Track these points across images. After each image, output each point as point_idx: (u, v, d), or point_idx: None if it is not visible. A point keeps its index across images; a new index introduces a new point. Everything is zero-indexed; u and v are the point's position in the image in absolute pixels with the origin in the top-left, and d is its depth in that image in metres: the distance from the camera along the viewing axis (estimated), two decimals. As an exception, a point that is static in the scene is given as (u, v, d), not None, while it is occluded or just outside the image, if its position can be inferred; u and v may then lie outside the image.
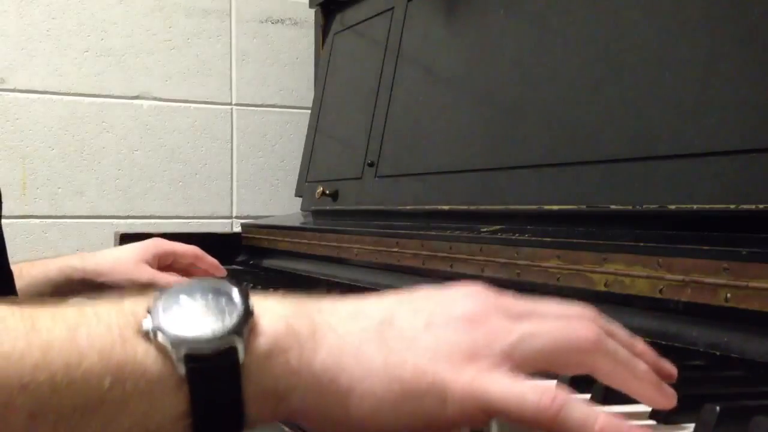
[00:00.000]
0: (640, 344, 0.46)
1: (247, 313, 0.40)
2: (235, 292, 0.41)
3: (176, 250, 1.22)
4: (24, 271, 1.09)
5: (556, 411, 0.40)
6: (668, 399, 0.44)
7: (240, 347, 0.39)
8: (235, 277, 1.21)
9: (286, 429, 0.71)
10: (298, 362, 0.40)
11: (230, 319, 0.40)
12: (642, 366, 0.44)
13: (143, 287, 1.17)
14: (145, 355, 0.39)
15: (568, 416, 0.39)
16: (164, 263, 1.21)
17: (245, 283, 1.11)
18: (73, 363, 0.38)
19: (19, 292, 1.05)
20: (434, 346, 0.41)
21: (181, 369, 0.38)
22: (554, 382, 0.45)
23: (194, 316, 0.40)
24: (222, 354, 0.39)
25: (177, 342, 0.39)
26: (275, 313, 0.42)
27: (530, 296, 0.45)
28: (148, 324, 0.39)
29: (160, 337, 0.39)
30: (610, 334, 0.45)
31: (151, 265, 1.18)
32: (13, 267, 1.09)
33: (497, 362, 0.41)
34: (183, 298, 0.41)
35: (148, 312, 0.40)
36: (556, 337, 0.43)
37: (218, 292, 0.41)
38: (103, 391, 0.38)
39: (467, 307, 0.44)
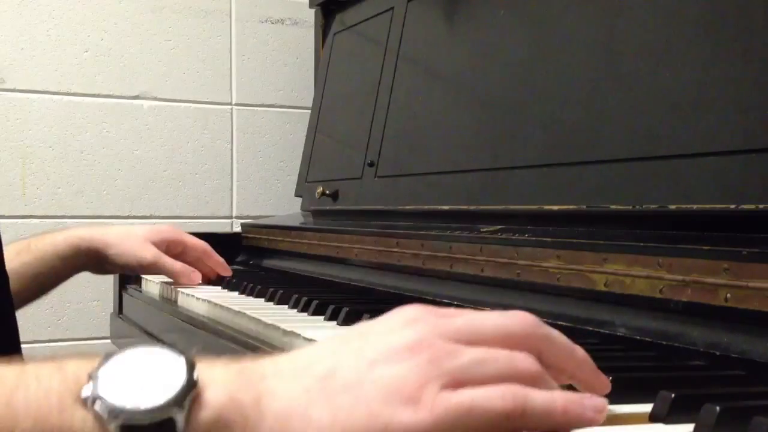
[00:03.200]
0: (581, 352, 0.46)
1: (190, 385, 0.39)
2: (181, 362, 0.40)
3: (186, 241, 1.22)
4: (32, 245, 1.10)
5: (522, 408, 0.40)
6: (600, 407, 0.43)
7: (179, 419, 0.38)
8: (235, 277, 1.21)
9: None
10: None
11: (171, 390, 0.39)
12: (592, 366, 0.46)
13: (147, 267, 1.18)
14: (82, 423, 0.38)
15: (532, 409, 0.40)
16: (173, 251, 1.21)
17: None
18: (6, 427, 0.37)
19: (26, 266, 1.06)
20: (381, 386, 0.40)
21: None
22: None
23: (136, 385, 0.39)
24: (159, 426, 0.38)
25: (114, 412, 0.38)
26: (219, 384, 0.41)
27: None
28: (87, 391, 0.39)
29: (97, 405, 0.38)
30: (551, 342, 0.45)
31: (158, 247, 1.18)
32: (21, 242, 1.09)
33: (446, 383, 0.41)
34: (127, 365, 0.40)
35: (90, 378, 0.39)
36: (502, 369, 0.42)
37: (164, 361, 0.41)
38: None
39: (408, 336, 0.42)
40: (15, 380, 0.39)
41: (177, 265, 1.18)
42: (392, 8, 1.36)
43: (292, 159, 1.86)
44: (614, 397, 0.50)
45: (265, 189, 1.94)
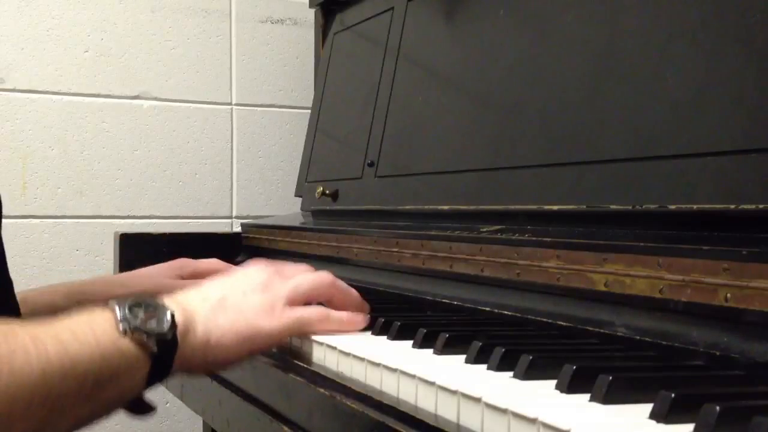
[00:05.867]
0: (356, 297, 0.84)
1: (173, 315, 0.67)
2: (158, 302, 0.68)
3: (201, 269, 1.17)
4: (29, 300, 1.03)
5: (326, 317, 0.79)
6: (365, 305, 0.84)
7: (177, 332, 0.67)
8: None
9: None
10: (193, 337, 0.69)
11: (167, 319, 0.67)
12: (353, 293, 0.84)
13: None
14: (130, 344, 0.64)
15: (332, 318, 0.80)
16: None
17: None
18: (105, 355, 0.62)
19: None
20: (251, 307, 0.74)
21: (155, 349, 0.65)
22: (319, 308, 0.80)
23: (146, 319, 0.65)
24: (173, 338, 0.66)
25: (150, 335, 0.65)
26: (177, 310, 0.68)
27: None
28: (125, 326, 0.64)
29: (137, 334, 0.64)
30: (339, 291, 0.82)
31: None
32: (17, 295, 1.02)
33: (285, 302, 0.76)
34: (134, 309, 0.65)
35: (121, 320, 0.64)
36: (311, 283, 0.80)
37: (149, 304, 0.67)
38: (120, 368, 0.63)
39: (260, 278, 0.77)
40: (58, 341, 0.59)
41: (192, 282, 1.11)
42: (392, 8, 1.36)
43: (292, 159, 1.86)
44: (614, 397, 0.50)
45: (265, 189, 1.94)
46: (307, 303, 0.80)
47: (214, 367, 0.77)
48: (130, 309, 0.65)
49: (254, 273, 0.78)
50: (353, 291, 0.84)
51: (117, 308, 0.65)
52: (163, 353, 0.65)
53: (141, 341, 0.64)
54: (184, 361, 0.68)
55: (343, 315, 0.80)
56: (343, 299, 0.82)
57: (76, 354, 0.59)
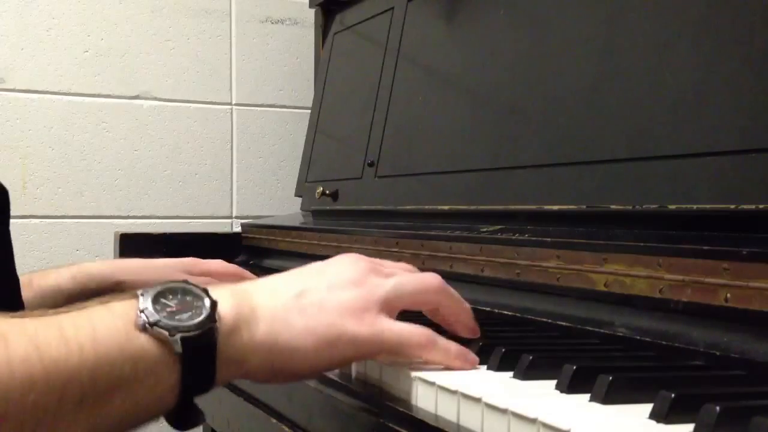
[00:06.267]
0: (466, 305, 0.68)
1: (214, 306, 0.54)
2: (198, 290, 0.55)
3: (211, 270, 1.14)
4: (34, 282, 1.03)
5: (431, 345, 0.60)
6: (477, 328, 0.67)
7: (215, 327, 0.53)
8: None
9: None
10: (249, 337, 0.55)
11: (205, 311, 0.53)
12: (466, 305, 0.67)
13: None
14: (148, 343, 0.51)
15: (438, 348, 0.61)
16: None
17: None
18: (102, 359, 0.50)
19: (26, 303, 0.95)
20: (337, 305, 0.58)
21: (178, 349, 0.52)
22: (422, 327, 0.61)
23: (176, 312, 0.53)
24: (206, 334, 0.53)
25: (173, 330, 0.52)
26: (227, 302, 0.55)
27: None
28: (144, 320, 0.52)
29: (157, 329, 0.52)
30: (449, 296, 0.66)
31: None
32: (22, 277, 1.01)
33: (381, 307, 0.60)
34: (162, 299, 0.53)
35: (141, 312, 0.52)
36: (416, 284, 0.64)
37: (186, 292, 0.55)
38: (125, 373, 0.50)
39: (351, 273, 0.62)
40: (33, 343, 0.48)
41: (202, 280, 1.10)
42: (392, 8, 1.36)
43: (292, 159, 1.86)
44: (614, 397, 0.50)
45: (265, 189, 1.94)
46: (407, 311, 0.64)
47: (284, 377, 0.58)
48: (156, 297, 0.53)
49: (344, 265, 0.63)
50: (465, 303, 0.67)
51: (141, 297, 0.53)
52: (195, 354, 0.52)
53: (162, 339, 0.51)
54: (237, 365, 0.55)
55: (452, 346, 0.61)
56: (452, 310, 0.66)
57: (51, 361, 0.48)
